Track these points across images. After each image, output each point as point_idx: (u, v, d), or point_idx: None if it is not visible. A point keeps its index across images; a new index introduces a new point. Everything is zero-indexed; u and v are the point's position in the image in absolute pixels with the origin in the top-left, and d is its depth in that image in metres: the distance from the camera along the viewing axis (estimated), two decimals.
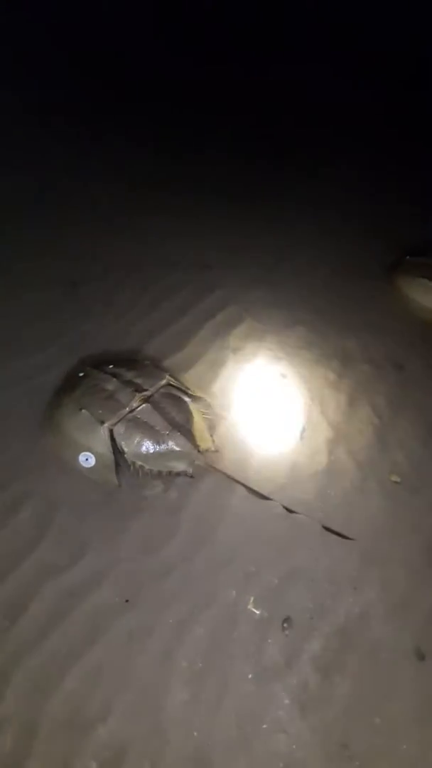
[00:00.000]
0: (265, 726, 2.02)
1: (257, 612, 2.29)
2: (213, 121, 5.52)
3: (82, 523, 2.55)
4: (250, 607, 2.30)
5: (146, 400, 2.78)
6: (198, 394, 3.05)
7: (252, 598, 2.32)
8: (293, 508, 2.60)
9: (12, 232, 4.11)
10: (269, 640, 2.22)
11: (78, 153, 4.96)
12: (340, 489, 2.74)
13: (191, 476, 2.71)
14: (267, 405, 3.12)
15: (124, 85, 6.00)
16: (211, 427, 2.94)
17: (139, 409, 2.75)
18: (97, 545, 2.48)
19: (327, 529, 2.54)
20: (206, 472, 2.72)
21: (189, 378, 3.19)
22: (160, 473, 2.70)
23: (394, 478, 2.84)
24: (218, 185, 4.75)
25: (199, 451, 2.73)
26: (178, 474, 2.71)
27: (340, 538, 2.52)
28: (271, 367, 3.32)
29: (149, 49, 6.75)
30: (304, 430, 2.99)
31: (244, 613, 2.29)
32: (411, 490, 2.79)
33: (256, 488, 2.67)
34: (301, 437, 2.96)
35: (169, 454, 2.71)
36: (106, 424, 2.68)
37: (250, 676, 2.13)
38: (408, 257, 3.95)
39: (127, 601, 2.31)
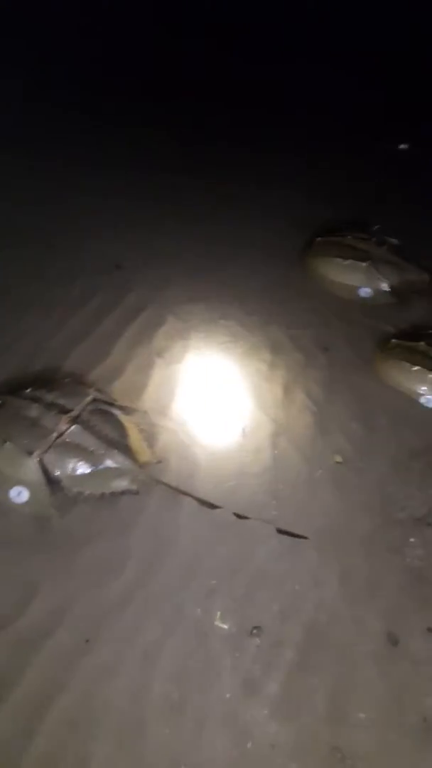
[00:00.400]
0: (250, 745, 1.94)
1: (225, 627, 2.20)
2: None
3: (25, 563, 2.36)
4: (218, 623, 2.21)
5: (74, 420, 2.61)
6: (128, 404, 2.89)
7: (218, 614, 2.23)
8: (245, 513, 2.52)
9: None
10: (242, 654, 2.14)
11: None
12: (289, 482, 2.69)
13: (136, 492, 2.57)
14: (203, 406, 3.02)
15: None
16: (148, 438, 2.80)
17: (68, 431, 2.57)
18: (45, 586, 2.30)
19: (280, 531, 2.48)
20: (152, 486, 2.59)
21: (118, 389, 3.04)
22: (102, 495, 2.54)
23: (338, 458, 2.82)
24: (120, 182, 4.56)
25: (140, 466, 2.60)
26: (122, 493, 2.56)
27: (299, 540, 2.46)
28: (201, 366, 3.22)
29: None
30: (245, 427, 2.91)
31: (212, 631, 2.19)
32: (355, 470, 2.78)
33: (203, 497, 2.57)
34: (243, 435, 2.88)
35: (109, 474, 2.56)
36: (34, 454, 2.49)
37: (227, 695, 2.04)
38: (318, 238, 3.94)
39: (87, 641, 2.16)
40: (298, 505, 2.60)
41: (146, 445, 2.76)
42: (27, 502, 2.49)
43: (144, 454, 2.71)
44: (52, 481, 2.50)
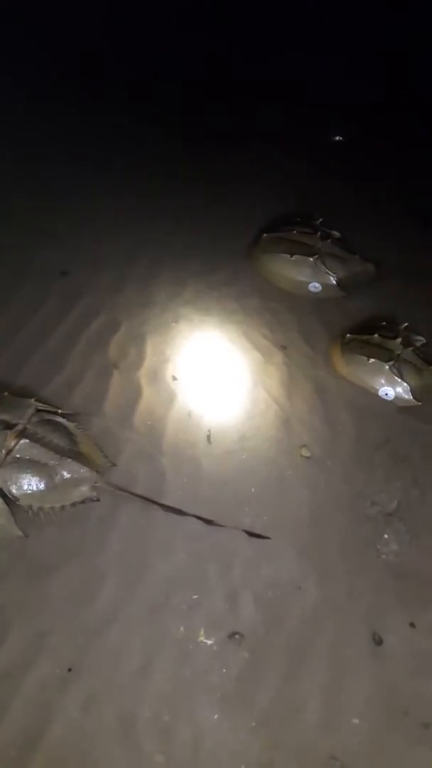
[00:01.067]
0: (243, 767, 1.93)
1: (210, 642, 2.19)
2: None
3: None
4: (202, 638, 2.19)
5: (21, 435, 2.51)
6: (71, 411, 2.81)
7: (202, 630, 2.21)
8: (218, 520, 2.50)
9: None
10: (229, 668, 2.13)
11: None
12: (259, 486, 2.69)
13: (97, 500, 2.52)
14: (164, 413, 2.96)
15: None
16: (98, 443, 2.74)
17: (17, 447, 2.47)
18: (19, 614, 2.21)
19: (248, 533, 2.47)
20: (111, 493, 2.53)
21: (76, 400, 2.95)
22: (63, 508, 2.47)
23: (304, 452, 2.84)
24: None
25: (95, 471, 2.54)
26: (83, 502, 2.50)
27: (274, 545, 2.46)
28: (160, 370, 3.16)
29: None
30: (209, 433, 2.88)
31: (197, 647, 2.17)
32: (323, 468, 2.81)
33: (171, 504, 2.54)
34: (209, 441, 2.85)
35: (66, 485, 2.48)
36: None
37: (216, 716, 2.02)
38: (264, 234, 3.93)
39: (70, 670, 2.10)
40: (271, 508, 2.60)
41: (98, 450, 2.70)
42: None
43: (97, 458, 2.65)
44: (9, 501, 2.40)
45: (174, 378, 3.12)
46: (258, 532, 2.49)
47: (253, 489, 2.68)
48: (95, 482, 2.51)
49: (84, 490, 2.50)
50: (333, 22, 6.39)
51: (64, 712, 2.00)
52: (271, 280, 3.78)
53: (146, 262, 3.83)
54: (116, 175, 4.50)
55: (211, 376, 3.17)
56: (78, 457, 2.55)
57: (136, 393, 3.03)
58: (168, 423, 2.92)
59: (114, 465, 2.68)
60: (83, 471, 2.51)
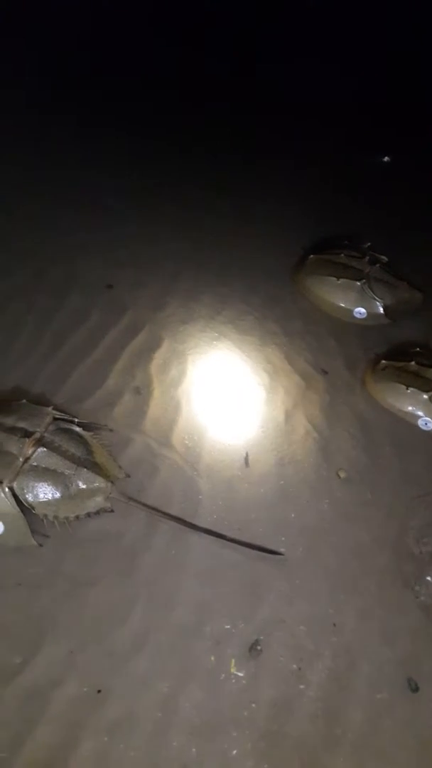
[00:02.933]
0: None
1: (240, 674, 2.15)
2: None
3: (30, 609, 2.27)
4: (233, 670, 2.16)
5: (39, 443, 2.52)
6: (87, 420, 2.82)
7: (233, 661, 2.18)
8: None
9: None
10: (260, 704, 2.09)
11: None
12: (297, 515, 2.66)
13: (111, 510, 2.53)
14: (204, 434, 2.96)
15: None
16: (113, 453, 2.75)
17: (34, 455, 2.48)
18: (52, 630, 2.22)
19: (254, 546, 2.44)
20: (125, 504, 2.54)
21: (116, 416, 2.96)
22: (77, 517, 2.48)
23: (342, 474, 2.82)
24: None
25: (110, 482, 2.54)
26: (97, 512, 2.51)
27: (309, 578, 2.42)
28: (199, 389, 3.15)
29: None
30: (247, 456, 2.86)
31: (227, 679, 2.15)
32: (363, 501, 2.76)
33: (207, 527, 2.51)
34: (246, 464, 2.83)
35: (82, 495, 2.49)
36: (4, 483, 2.39)
37: (249, 746, 1.99)
38: (311, 256, 3.90)
39: (99, 691, 2.09)
40: (307, 539, 2.56)
41: (112, 460, 2.71)
42: (2, 535, 2.41)
43: (112, 469, 2.66)
44: (24, 509, 2.41)
45: (213, 398, 3.11)
46: (293, 563, 2.45)
47: (291, 516, 2.64)
48: (110, 493, 2.52)
49: (99, 501, 2.51)
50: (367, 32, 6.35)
51: (92, 734, 1.99)
52: (315, 303, 3.75)
53: (189, 279, 3.83)
54: (155, 192, 4.49)
55: (251, 398, 3.15)
56: (93, 467, 2.56)
57: (175, 411, 3.03)
58: (205, 443, 2.91)
59: (128, 476, 2.69)
60: (98, 481, 2.52)
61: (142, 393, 3.09)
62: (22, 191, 4.31)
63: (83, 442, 2.64)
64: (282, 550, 2.50)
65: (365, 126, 5.40)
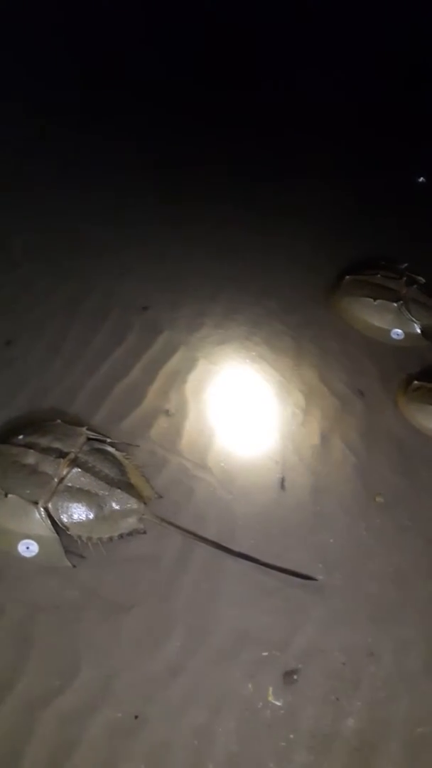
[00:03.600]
0: None
1: (278, 703, 2.13)
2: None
3: (66, 631, 2.28)
4: (270, 699, 2.14)
5: (73, 463, 2.53)
6: (120, 440, 2.83)
7: (270, 689, 2.16)
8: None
9: None
10: (298, 734, 2.06)
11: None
12: (335, 542, 2.63)
13: (143, 532, 2.53)
14: (238, 456, 2.95)
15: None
16: (146, 473, 2.76)
17: (69, 476, 2.50)
18: (89, 654, 2.22)
19: (294, 573, 2.43)
20: (158, 525, 2.55)
21: (152, 436, 2.98)
22: (111, 539, 2.48)
23: (379, 499, 2.80)
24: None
25: (143, 503, 2.55)
26: (130, 534, 2.51)
27: (348, 606, 2.39)
28: (234, 411, 3.15)
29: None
30: (283, 478, 2.85)
31: (265, 707, 2.12)
32: (403, 528, 2.72)
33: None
34: (282, 488, 2.81)
35: (115, 516, 2.50)
36: (40, 503, 2.41)
37: None
38: (348, 276, 3.89)
39: (136, 717, 2.09)
40: (346, 566, 2.53)
41: (145, 481, 2.71)
42: (37, 555, 2.43)
43: (145, 489, 2.66)
44: (59, 530, 2.43)
45: (248, 419, 3.11)
46: (332, 592, 2.42)
47: (328, 542, 2.62)
48: (143, 514, 2.53)
49: (132, 522, 2.52)
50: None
51: (128, 760, 1.99)
52: (351, 324, 3.74)
53: (223, 300, 3.84)
54: (190, 213, 4.53)
55: (287, 419, 3.14)
56: (127, 487, 2.57)
57: (210, 432, 3.04)
58: (241, 466, 2.91)
59: (160, 497, 2.69)
60: (132, 502, 2.53)
61: (177, 414, 3.10)
62: (65, 213, 4.40)
63: (116, 463, 2.65)
64: (319, 577, 2.48)
65: (394, 144, 5.39)
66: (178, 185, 4.75)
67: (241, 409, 3.18)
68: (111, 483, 2.53)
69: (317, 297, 3.93)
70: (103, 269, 3.96)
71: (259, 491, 2.80)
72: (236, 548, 2.52)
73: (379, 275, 3.84)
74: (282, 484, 2.84)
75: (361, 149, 5.34)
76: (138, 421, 3.04)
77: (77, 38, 6.32)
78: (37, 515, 2.40)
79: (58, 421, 2.78)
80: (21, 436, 2.64)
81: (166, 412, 3.10)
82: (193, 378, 3.32)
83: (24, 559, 2.42)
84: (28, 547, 2.42)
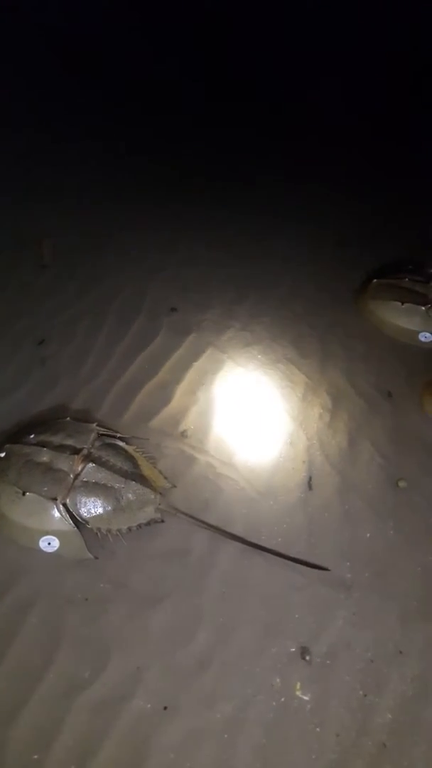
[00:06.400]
0: None
1: (306, 698, 2.14)
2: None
3: (96, 623, 2.32)
4: (298, 693, 2.15)
5: (87, 459, 2.58)
6: (129, 434, 2.88)
7: (298, 684, 2.17)
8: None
9: None
10: (325, 728, 2.07)
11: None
12: (362, 544, 2.62)
13: (161, 521, 2.57)
14: (266, 456, 2.97)
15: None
16: (156, 465, 2.82)
17: (84, 471, 2.55)
18: (120, 645, 2.26)
19: (303, 562, 2.44)
20: (173, 514, 2.59)
21: (179, 434, 3.02)
22: (129, 529, 2.53)
23: (402, 484, 2.82)
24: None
25: (158, 493, 2.60)
26: (148, 524, 2.56)
27: (376, 603, 2.39)
28: (262, 410, 3.18)
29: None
30: (311, 478, 2.86)
31: (292, 701, 2.13)
32: (429, 527, 2.71)
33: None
34: (310, 488, 2.82)
35: (132, 507, 2.54)
36: (58, 499, 2.46)
37: None
38: (375, 280, 3.90)
39: (165, 708, 2.11)
40: (374, 565, 2.53)
41: (158, 472, 2.76)
42: (59, 550, 2.48)
43: (159, 481, 2.71)
44: (78, 524, 2.48)
45: (276, 420, 3.13)
46: (360, 593, 2.43)
47: (356, 541, 2.62)
48: (159, 504, 2.57)
49: (149, 512, 2.56)
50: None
51: (158, 751, 2.01)
52: (379, 327, 3.74)
53: (250, 302, 3.88)
54: (221, 218, 4.60)
55: (313, 419, 3.15)
56: (141, 479, 2.62)
57: (237, 432, 3.06)
58: (269, 465, 2.92)
59: (174, 486, 2.74)
60: (147, 492, 2.57)
61: (205, 414, 3.14)
62: (95, 217, 4.49)
63: (128, 456, 2.70)
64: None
65: (416, 151, 5.40)
66: (208, 194, 4.84)
67: (269, 409, 3.20)
68: (125, 476, 2.58)
69: (343, 300, 3.94)
70: (132, 271, 4.04)
71: (286, 490, 2.82)
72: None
73: (406, 279, 3.84)
74: (309, 483, 2.85)
75: (374, 157, 5.35)
76: (166, 420, 3.09)
77: (132, 71, 6.45)
78: (57, 511, 2.45)
79: (68, 418, 2.84)
80: (32, 435, 2.70)
81: (199, 411, 3.13)
82: (220, 379, 3.36)
83: (50, 554, 2.47)
84: (49, 543, 2.47)
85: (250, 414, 3.16)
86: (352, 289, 4.01)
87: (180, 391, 3.25)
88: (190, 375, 3.36)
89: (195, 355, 3.48)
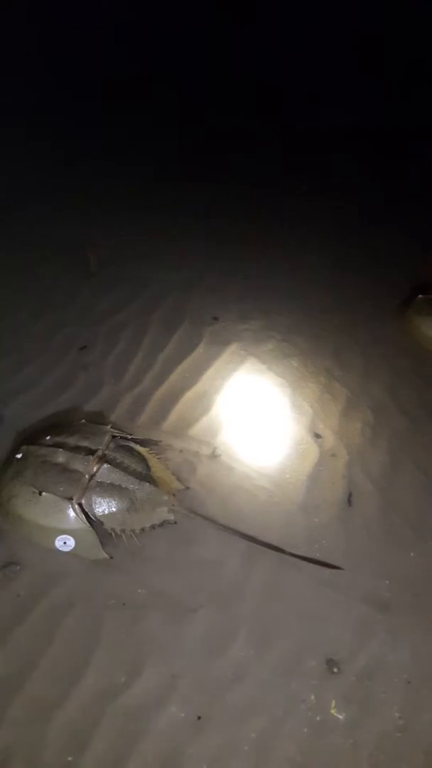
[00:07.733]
0: None
1: (341, 717, 2.11)
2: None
3: (132, 630, 2.33)
4: (333, 712, 2.12)
5: (102, 460, 2.61)
6: (142, 436, 2.90)
7: (333, 702, 2.14)
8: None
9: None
10: (359, 749, 2.04)
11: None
12: (402, 563, 2.58)
13: (174, 522, 2.59)
14: (303, 468, 2.96)
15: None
16: (169, 467, 2.83)
17: (99, 472, 2.58)
18: (155, 652, 2.26)
19: (318, 562, 2.46)
20: (189, 516, 2.61)
21: (220, 443, 3.03)
22: (143, 530, 2.54)
23: None
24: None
25: (171, 495, 2.62)
26: (161, 524, 2.58)
27: (415, 625, 2.35)
28: (301, 423, 3.16)
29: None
30: (350, 494, 2.84)
31: (326, 720, 2.10)
32: None
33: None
34: (350, 503, 2.80)
35: (145, 507, 2.56)
36: (74, 499, 2.49)
37: None
38: (420, 295, 3.86)
39: (199, 718, 2.11)
40: (413, 585, 2.49)
41: (170, 474, 2.77)
42: (74, 549, 2.50)
43: (171, 482, 2.72)
44: (93, 524, 2.50)
45: (316, 435, 3.12)
46: (397, 612, 2.39)
47: (396, 560, 2.58)
48: (172, 505, 2.59)
49: (162, 512, 2.58)
50: None
51: (191, 762, 2.00)
52: (423, 343, 3.70)
53: (291, 314, 3.91)
54: (264, 233, 4.64)
55: (354, 436, 3.12)
56: (154, 481, 2.65)
57: (277, 444, 3.06)
58: (306, 479, 2.91)
59: (187, 488, 2.75)
60: (160, 494, 2.59)
61: (244, 425, 3.14)
62: (140, 227, 4.56)
63: (142, 458, 2.73)
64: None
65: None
66: (253, 209, 4.89)
67: (308, 422, 3.18)
68: (140, 477, 2.62)
69: (385, 316, 3.92)
70: (175, 281, 4.09)
71: (325, 504, 2.80)
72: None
73: None
74: (349, 499, 2.82)
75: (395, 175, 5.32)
76: (205, 429, 3.10)
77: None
78: (72, 511, 2.49)
79: (83, 420, 2.90)
80: (48, 437, 2.74)
81: (232, 421, 3.14)
82: (260, 390, 3.35)
83: (87, 559, 2.50)
84: (65, 542, 2.50)
85: (288, 425, 3.15)
86: (396, 304, 3.97)
87: (218, 400, 3.27)
88: (230, 386, 3.36)
89: (235, 365, 3.49)
